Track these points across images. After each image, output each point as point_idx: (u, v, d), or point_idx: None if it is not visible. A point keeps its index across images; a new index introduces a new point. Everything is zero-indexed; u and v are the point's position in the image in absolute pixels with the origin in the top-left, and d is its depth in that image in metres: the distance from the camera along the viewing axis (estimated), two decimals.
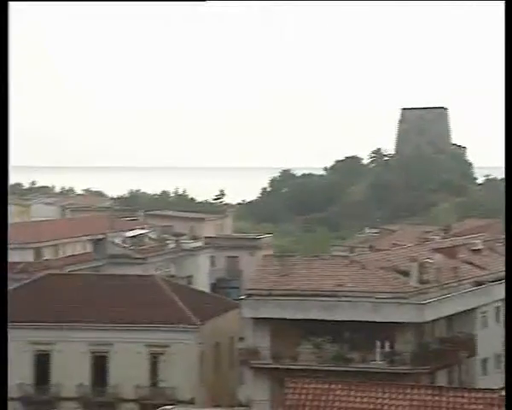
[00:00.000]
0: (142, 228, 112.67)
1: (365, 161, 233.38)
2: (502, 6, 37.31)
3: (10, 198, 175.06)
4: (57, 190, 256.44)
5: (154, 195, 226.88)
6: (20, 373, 61.71)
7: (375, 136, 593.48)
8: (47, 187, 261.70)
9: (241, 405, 61.73)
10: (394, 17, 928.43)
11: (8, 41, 29.88)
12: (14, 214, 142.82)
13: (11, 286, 70.43)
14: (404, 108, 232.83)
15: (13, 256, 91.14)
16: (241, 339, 65.09)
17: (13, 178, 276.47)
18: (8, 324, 62.70)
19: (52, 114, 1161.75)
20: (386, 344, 56.51)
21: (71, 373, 61.82)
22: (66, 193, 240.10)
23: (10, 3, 30.36)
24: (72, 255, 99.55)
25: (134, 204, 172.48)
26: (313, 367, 55.64)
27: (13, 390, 61.63)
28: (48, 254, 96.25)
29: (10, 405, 61.36)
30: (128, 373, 61.46)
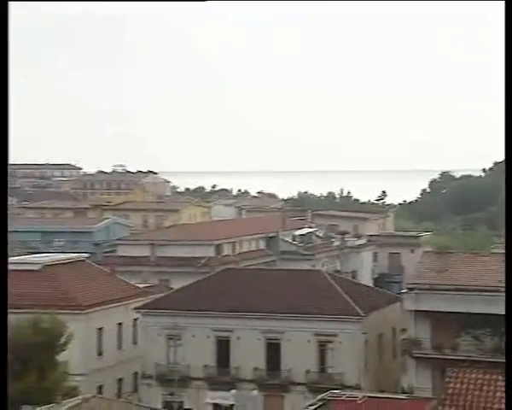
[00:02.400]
0: (310, 227, 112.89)
1: None
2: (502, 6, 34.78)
3: (195, 200, 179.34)
4: (234, 192, 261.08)
5: (321, 196, 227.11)
6: (204, 357, 62.94)
7: None
8: (226, 190, 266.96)
9: (403, 391, 60.64)
10: None
11: (8, 41, 27.40)
12: (197, 214, 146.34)
13: (195, 279, 72.16)
14: None
15: (196, 252, 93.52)
16: (403, 330, 64.05)
17: (196, 182, 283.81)
18: (193, 312, 64.49)
19: (218, 127, 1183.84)
20: None
21: (248, 358, 62.46)
22: (243, 195, 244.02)
23: (10, 3, 28.10)
24: (248, 251, 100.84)
25: (303, 205, 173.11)
26: (473, 358, 53.91)
27: (198, 371, 63.07)
28: (227, 251, 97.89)
29: (195, 384, 62.90)
30: (298, 359, 61.48)
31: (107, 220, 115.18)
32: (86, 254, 76.75)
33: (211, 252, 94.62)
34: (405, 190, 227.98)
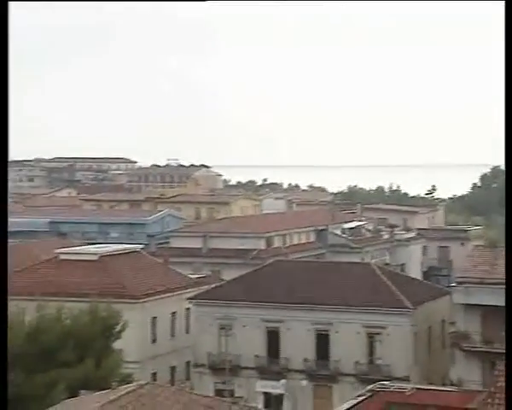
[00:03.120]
0: (360, 220, 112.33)
1: None
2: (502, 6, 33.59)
3: (246, 194, 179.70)
4: (285, 186, 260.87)
5: (370, 190, 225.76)
6: (254, 346, 63.09)
7: None
8: (276, 184, 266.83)
9: (452, 384, 60.03)
10: None
11: (8, 41, 26.48)
12: (248, 207, 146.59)
13: (246, 270, 72.33)
14: None
15: (247, 244, 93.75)
16: (452, 323, 63.39)
17: (247, 176, 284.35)
18: (245, 303, 64.61)
19: (283, 119, 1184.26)
20: None
21: (297, 348, 62.43)
22: (293, 189, 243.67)
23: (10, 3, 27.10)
24: (298, 244, 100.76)
25: (352, 199, 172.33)
26: None
27: (249, 361, 63.25)
28: (277, 243, 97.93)
29: (246, 373, 63.08)
30: (347, 350, 61.26)
31: (160, 213, 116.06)
32: (141, 246, 77.45)
33: (261, 244, 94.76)
34: (456, 185, 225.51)
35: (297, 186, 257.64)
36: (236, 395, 62.69)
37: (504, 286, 47.65)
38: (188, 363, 66.65)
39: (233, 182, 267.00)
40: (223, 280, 73.24)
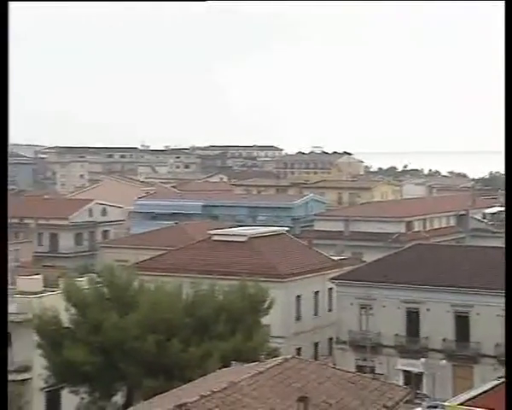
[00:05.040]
0: (501, 206, 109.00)
1: None
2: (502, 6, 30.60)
3: (387, 179, 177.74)
4: (425, 172, 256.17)
5: None
6: (394, 326, 62.68)
7: None
8: (417, 170, 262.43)
9: None
10: None
11: (8, 41, 25.11)
12: (388, 193, 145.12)
13: (386, 253, 71.81)
14: None
15: (388, 228, 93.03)
16: None
17: (388, 162, 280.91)
18: (385, 284, 64.18)
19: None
20: None
21: (437, 329, 61.52)
22: (433, 175, 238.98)
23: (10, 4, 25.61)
24: (438, 228, 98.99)
25: (494, 184, 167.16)
26: None
27: (389, 339, 62.92)
28: (417, 227, 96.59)
29: (386, 351, 62.75)
30: (489, 332, 59.68)
31: (305, 197, 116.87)
32: (286, 228, 78.27)
33: (402, 228, 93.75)
34: None
35: (437, 172, 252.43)
36: (377, 372, 62.58)
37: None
38: (330, 340, 66.97)
39: (374, 168, 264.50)
40: (364, 262, 73.03)
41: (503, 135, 28.07)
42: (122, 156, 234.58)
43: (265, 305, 49.58)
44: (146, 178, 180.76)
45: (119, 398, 47.41)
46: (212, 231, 72.08)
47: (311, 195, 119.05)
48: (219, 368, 35.91)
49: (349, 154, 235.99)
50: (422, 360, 61.49)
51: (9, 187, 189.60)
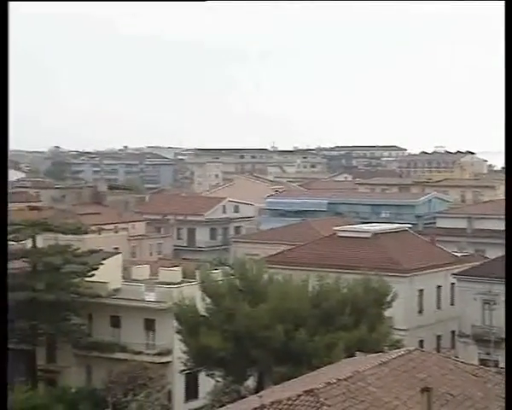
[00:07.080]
0: None
1: None
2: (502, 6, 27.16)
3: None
4: None
5: None
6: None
7: None
8: None
9: None
10: None
11: (8, 41, 24.13)
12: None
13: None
14: None
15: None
16: None
17: (496, 162, 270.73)
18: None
19: None
20: None
21: None
22: None
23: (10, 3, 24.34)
24: None
25: None
26: None
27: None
28: None
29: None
30: None
31: (428, 195, 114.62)
32: (409, 225, 76.97)
33: None
34: None
35: None
36: (500, 366, 60.62)
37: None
38: (452, 333, 65.40)
39: (498, 167, 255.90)
40: (486, 259, 70.82)
41: None
42: (253, 157, 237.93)
43: (389, 298, 49.02)
44: (275, 177, 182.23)
45: (250, 382, 48.10)
46: (337, 228, 71.84)
47: (434, 193, 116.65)
48: (344, 358, 35.80)
49: (472, 153, 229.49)
50: None
51: (153, 186, 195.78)
